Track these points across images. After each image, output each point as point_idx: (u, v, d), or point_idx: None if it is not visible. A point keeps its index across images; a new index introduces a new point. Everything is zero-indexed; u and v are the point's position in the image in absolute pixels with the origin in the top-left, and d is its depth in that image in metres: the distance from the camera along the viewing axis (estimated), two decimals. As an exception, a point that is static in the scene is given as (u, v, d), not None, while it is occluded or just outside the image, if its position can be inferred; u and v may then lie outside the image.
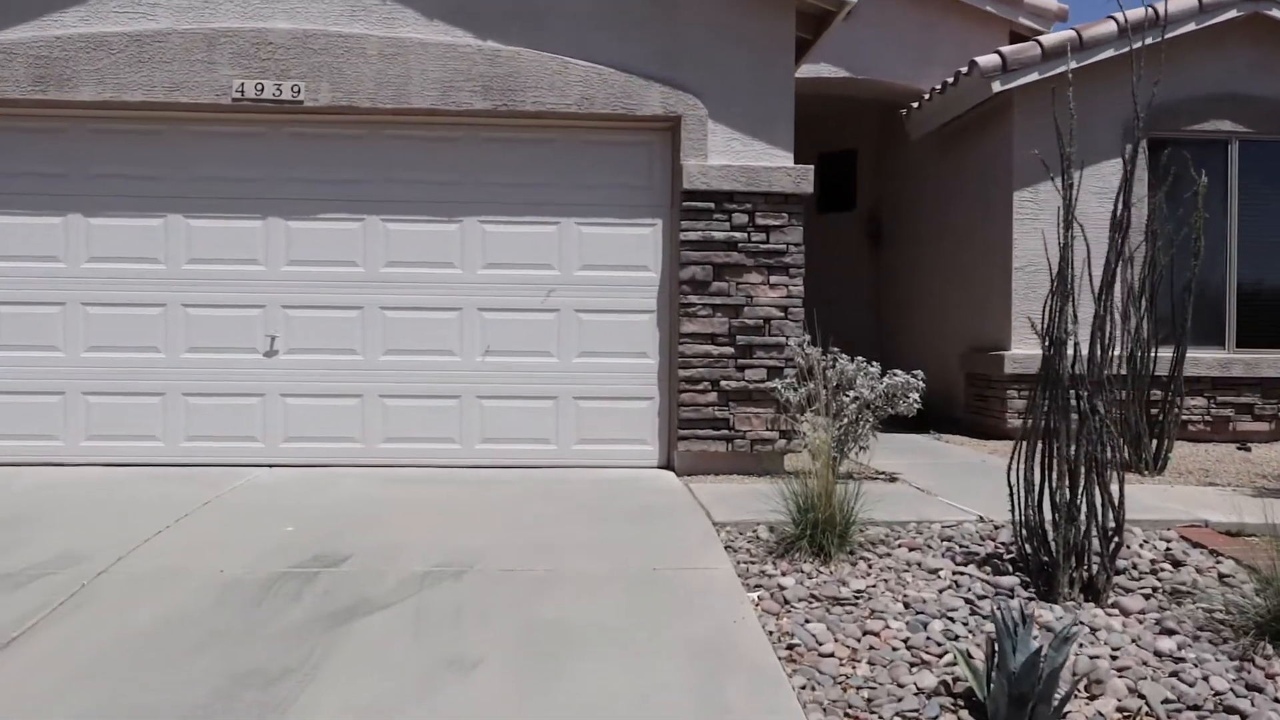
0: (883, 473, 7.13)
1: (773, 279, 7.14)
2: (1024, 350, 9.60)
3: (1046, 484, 4.78)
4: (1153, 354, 7.94)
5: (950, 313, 10.99)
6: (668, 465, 7.44)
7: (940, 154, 11.28)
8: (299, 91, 6.98)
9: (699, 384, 7.09)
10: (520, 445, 7.37)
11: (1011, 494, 4.80)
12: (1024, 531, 4.78)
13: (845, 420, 6.92)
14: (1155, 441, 7.84)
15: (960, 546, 5.23)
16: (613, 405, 7.38)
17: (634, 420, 7.38)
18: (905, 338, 12.41)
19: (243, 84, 6.96)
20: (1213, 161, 9.74)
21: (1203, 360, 9.55)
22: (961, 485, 6.72)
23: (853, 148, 13.50)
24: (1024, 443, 5.01)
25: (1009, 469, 4.89)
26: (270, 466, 7.11)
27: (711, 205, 7.09)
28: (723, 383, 7.14)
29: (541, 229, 7.34)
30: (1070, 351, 5.43)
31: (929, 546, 5.24)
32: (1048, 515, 4.72)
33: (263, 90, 6.97)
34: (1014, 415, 9.56)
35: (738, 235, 7.09)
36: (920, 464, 7.87)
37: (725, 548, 5.23)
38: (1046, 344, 5.42)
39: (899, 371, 7.07)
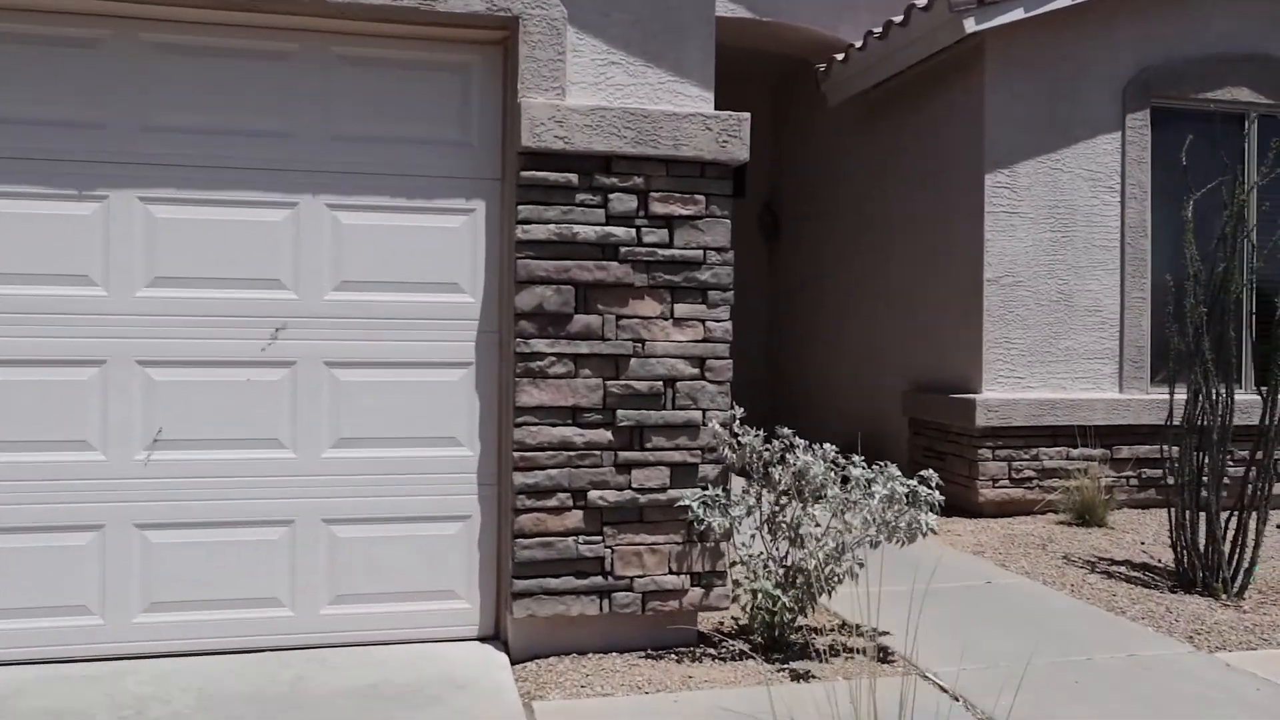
0: (868, 632, 4.04)
1: (681, 309, 3.98)
2: (1001, 393, 6.80)
3: None
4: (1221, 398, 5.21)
5: (886, 338, 8.13)
6: (496, 635, 4.11)
7: (871, 124, 8.39)
8: None
9: (550, 495, 3.89)
10: (221, 613, 3.84)
11: None
12: None
13: (813, 563, 3.91)
14: (1233, 538, 5.14)
15: None
16: (396, 533, 3.99)
17: (435, 559, 4.02)
18: (814, 371, 9.49)
19: None
20: (1227, 139, 7.19)
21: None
22: (1019, 674, 3.59)
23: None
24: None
25: None
26: None
27: (573, 178, 3.87)
28: (594, 493, 3.97)
29: (262, 215, 3.87)
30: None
31: None
32: None
33: None
34: (989, 484, 6.76)
35: (620, 232, 3.91)
36: (921, 607, 4.82)
37: None
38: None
39: (895, 470, 4.08)
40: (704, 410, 4.02)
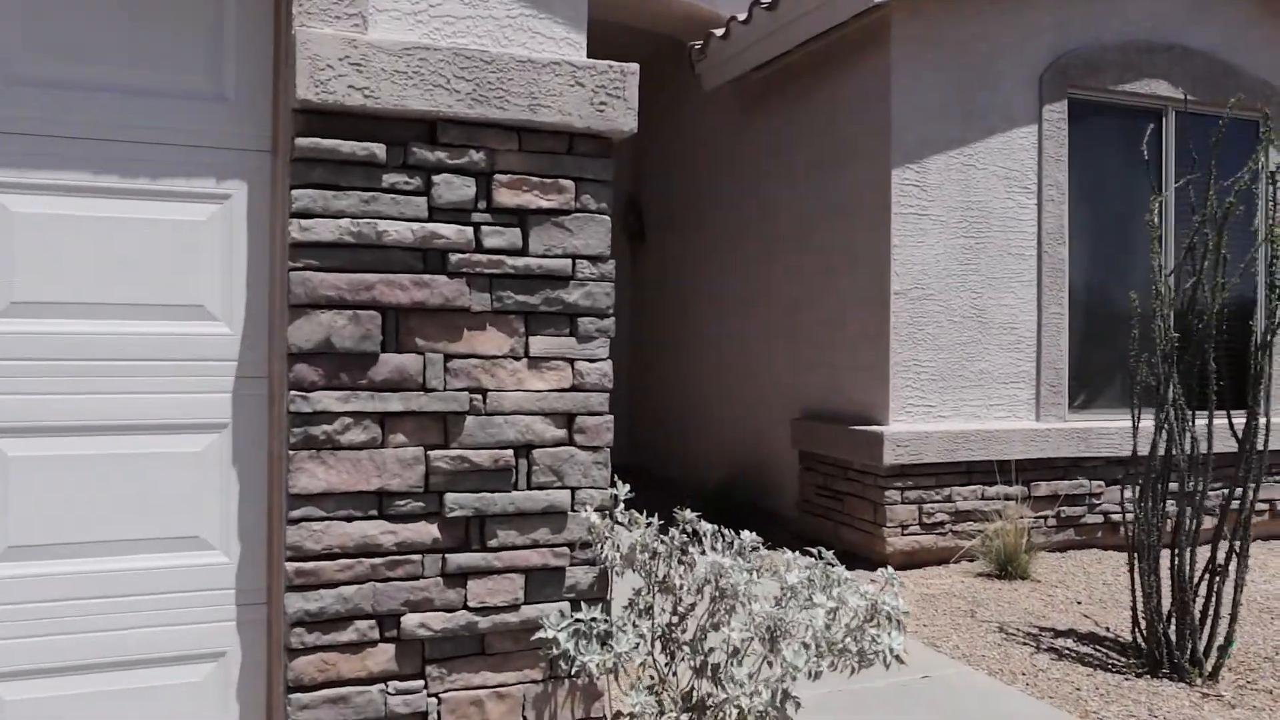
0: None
1: (540, 344, 2.71)
2: (911, 425, 5.80)
3: None
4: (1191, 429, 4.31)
5: (772, 358, 7.06)
6: (266, 831, 2.82)
7: (756, 111, 7.32)
8: None
9: (345, 624, 2.51)
10: None
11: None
12: None
13: (735, 713, 2.70)
14: (1205, 602, 4.24)
15: None
16: (107, 685, 2.52)
17: (170, 722, 2.70)
18: (686, 397, 8.37)
19: None
20: (1141, 136, 6.42)
21: (1140, 430, 6.19)
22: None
23: (600, 108, 9.29)
24: None
25: None
26: None
27: (379, 150, 2.54)
28: (411, 618, 2.61)
29: None
30: None
31: None
32: None
33: None
34: (897, 531, 5.75)
35: (449, 232, 2.61)
36: None
37: None
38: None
39: (843, 572, 2.91)
40: (573, 489, 2.77)
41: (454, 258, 2.65)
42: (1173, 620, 4.22)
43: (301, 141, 2.52)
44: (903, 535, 5.66)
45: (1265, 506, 6.37)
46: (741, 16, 6.55)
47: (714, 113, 7.76)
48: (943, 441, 5.66)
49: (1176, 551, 4.23)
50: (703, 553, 2.80)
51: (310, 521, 2.52)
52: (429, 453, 2.63)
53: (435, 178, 2.65)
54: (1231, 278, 4.14)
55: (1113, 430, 6.04)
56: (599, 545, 2.74)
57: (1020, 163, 5.95)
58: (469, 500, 2.65)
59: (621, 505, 2.83)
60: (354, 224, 2.56)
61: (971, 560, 5.74)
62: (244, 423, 2.68)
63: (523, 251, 2.73)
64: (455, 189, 2.65)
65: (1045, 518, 5.96)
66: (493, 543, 2.69)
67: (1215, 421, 4.29)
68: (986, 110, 5.87)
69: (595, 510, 2.77)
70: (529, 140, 2.74)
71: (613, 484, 2.84)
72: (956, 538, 5.75)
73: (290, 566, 2.50)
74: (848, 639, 2.75)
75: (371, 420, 2.58)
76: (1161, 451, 4.26)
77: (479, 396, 2.68)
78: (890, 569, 2.95)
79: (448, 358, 2.66)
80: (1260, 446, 4.16)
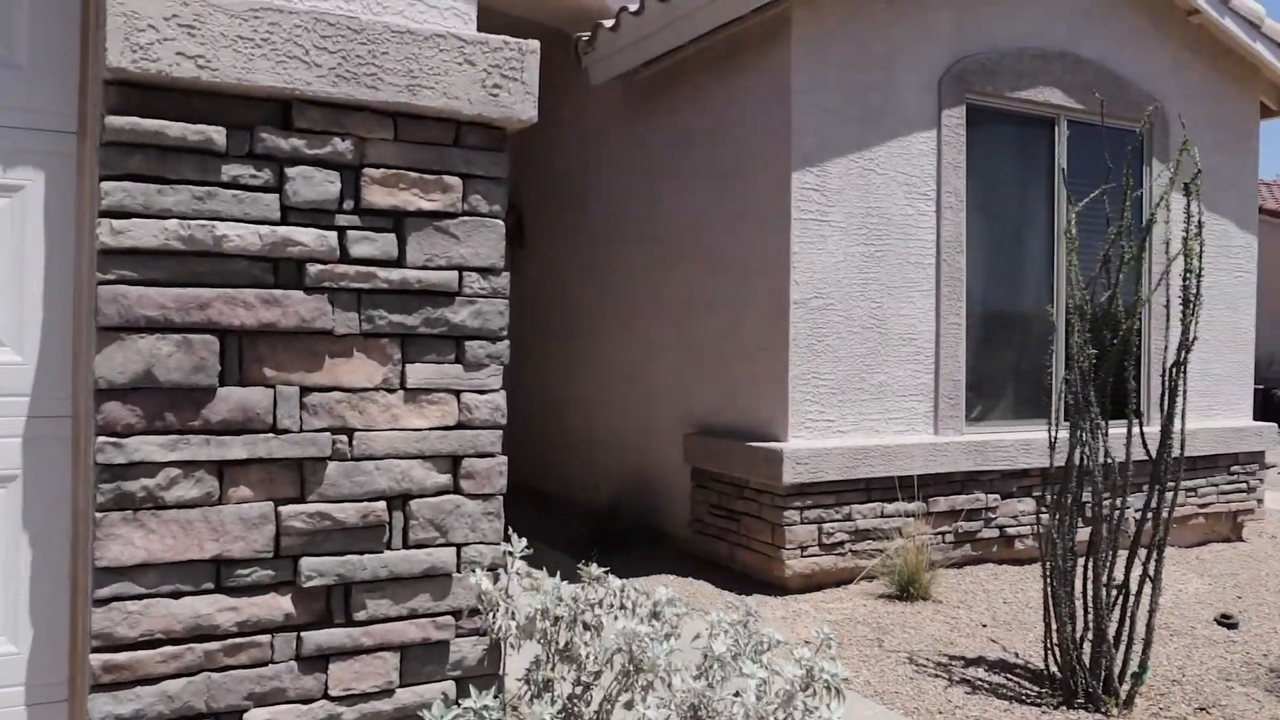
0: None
1: (420, 374, 2.22)
2: (811, 441, 5.51)
3: None
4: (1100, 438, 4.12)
5: (663, 370, 6.68)
6: None
7: (647, 109, 6.92)
8: None
9: None
10: None
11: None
12: None
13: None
14: (1118, 627, 4.05)
15: None
16: None
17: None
18: (570, 410, 7.92)
19: None
20: (1037, 145, 6.32)
21: (1033, 443, 6.09)
22: None
23: (478, 101, 8.74)
24: None
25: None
26: None
27: (217, 135, 1.99)
28: (256, 715, 2.15)
29: None
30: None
31: None
32: None
33: None
34: (796, 553, 5.45)
35: (307, 237, 2.08)
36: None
37: None
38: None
39: (772, 634, 2.51)
40: (459, 546, 2.31)
41: (313, 269, 2.16)
42: (1086, 645, 4.03)
43: (115, 121, 1.98)
44: (802, 557, 5.36)
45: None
46: (633, 7, 6.14)
47: (602, 110, 7.34)
48: (843, 458, 5.38)
49: (1090, 574, 4.03)
50: (615, 617, 2.38)
51: (124, 601, 1.98)
52: (280, 509, 2.12)
53: (290, 170, 2.14)
54: (1129, 291, 3.96)
55: (1008, 443, 5.89)
56: (491, 614, 2.29)
57: (920, 168, 5.74)
58: (331, 565, 2.16)
59: (515, 562, 2.38)
60: (184, 226, 2.03)
61: (871, 580, 5.49)
62: (39, 474, 2.12)
63: (399, 262, 2.25)
64: (315, 185, 2.16)
65: (944, 534, 5.77)
66: (360, 615, 2.20)
67: (1118, 435, 4.11)
68: (887, 114, 5.63)
69: (487, 571, 2.31)
70: (407, 128, 2.26)
71: (507, 536, 2.39)
72: (856, 558, 5.49)
73: (97, 660, 1.96)
74: (778, 710, 2.38)
75: (207, 471, 2.06)
76: (1076, 471, 4.05)
77: (344, 438, 2.19)
78: (824, 634, 2.58)
79: (305, 391, 2.16)
80: (1172, 472, 4.00)
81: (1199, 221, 3.83)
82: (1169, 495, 4.02)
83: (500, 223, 2.37)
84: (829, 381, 5.47)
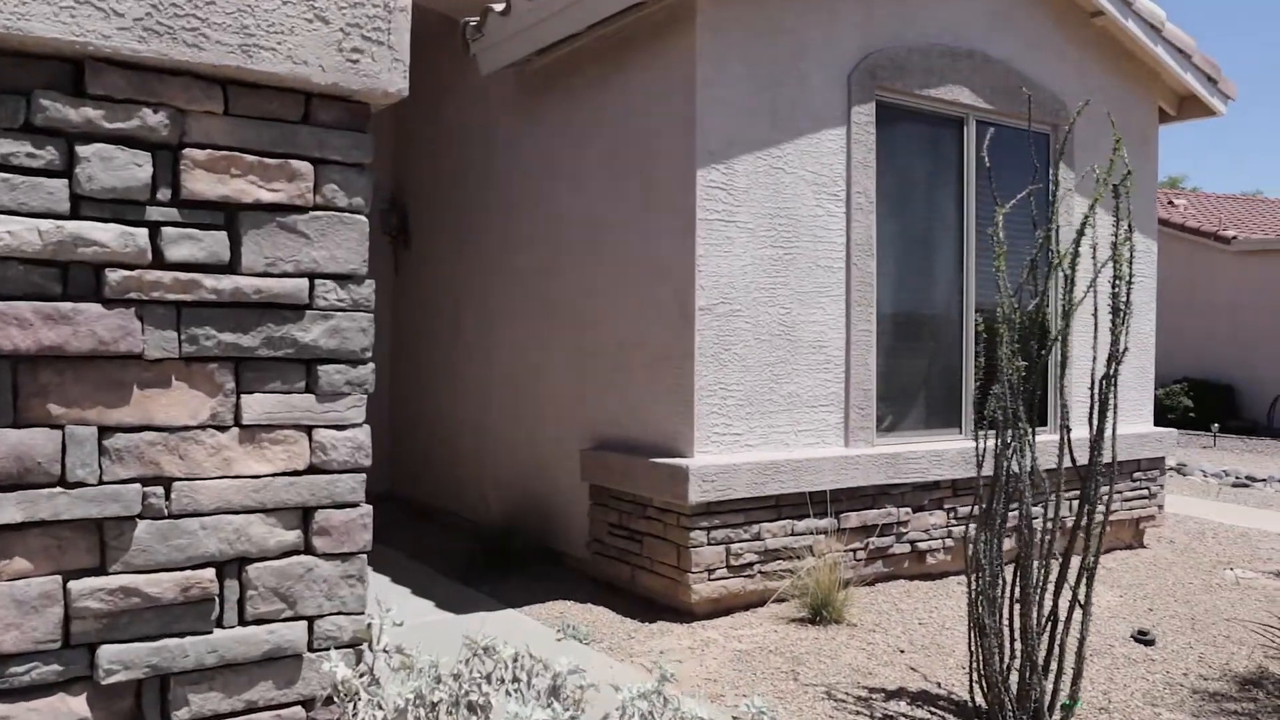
0: None
1: (258, 406, 1.73)
2: (718, 457, 5.16)
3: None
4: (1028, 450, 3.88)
5: (559, 380, 6.24)
6: None
7: (541, 101, 6.48)
8: None
9: None
10: None
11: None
12: None
13: None
14: (1046, 655, 3.80)
15: None
16: None
17: None
18: (459, 423, 7.40)
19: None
20: (946, 145, 6.12)
21: (944, 454, 5.88)
22: None
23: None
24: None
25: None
26: None
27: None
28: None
29: None
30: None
31: None
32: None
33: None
34: (704, 576, 5.09)
35: (105, 234, 1.53)
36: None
37: None
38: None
39: (694, 712, 2.12)
40: (311, 620, 1.86)
41: (115, 276, 1.68)
42: (1013, 674, 3.78)
43: None
44: (709, 581, 5.01)
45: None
46: (524, -10, 5.71)
47: (492, 101, 6.87)
48: (752, 474, 5.06)
49: (1019, 596, 3.78)
50: (508, 693, 1.97)
51: None
52: (71, 585, 1.64)
53: (83, 150, 1.66)
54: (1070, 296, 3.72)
55: (920, 454, 5.67)
56: (351, 703, 1.84)
57: (830, 167, 5.46)
58: (141, 654, 1.68)
59: (381, 632, 1.94)
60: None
61: (782, 602, 5.18)
62: None
63: (231, 268, 1.79)
64: (117, 169, 1.68)
65: (855, 551, 5.50)
66: (182, 714, 1.73)
67: (1039, 447, 3.88)
68: (796, 109, 5.33)
69: (347, 647, 1.87)
70: (242, 99, 1.80)
71: (380, 610, 1.95)
72: (766, 579, 5.17)
73: None
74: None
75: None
76: (1003, 486, 3.79)
77: (159, 490, 1.72)
78: (755, 709, 2.22)
79: (106, 432, 1.68)
80: (1102, 492, 3.78)
81: (1129, 225, 3.60)
82: (1098, 517, 3.81)
83: (363, 219, 1.93)
84: (737, 393, 5.14)
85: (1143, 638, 4.84)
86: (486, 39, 6.08)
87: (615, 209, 5.59)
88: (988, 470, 4.01)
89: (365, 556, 1.90)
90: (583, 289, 5.86)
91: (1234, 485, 10.34)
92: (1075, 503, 3.76)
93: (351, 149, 1.92)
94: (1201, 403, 16.06)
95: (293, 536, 1.84)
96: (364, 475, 1.92)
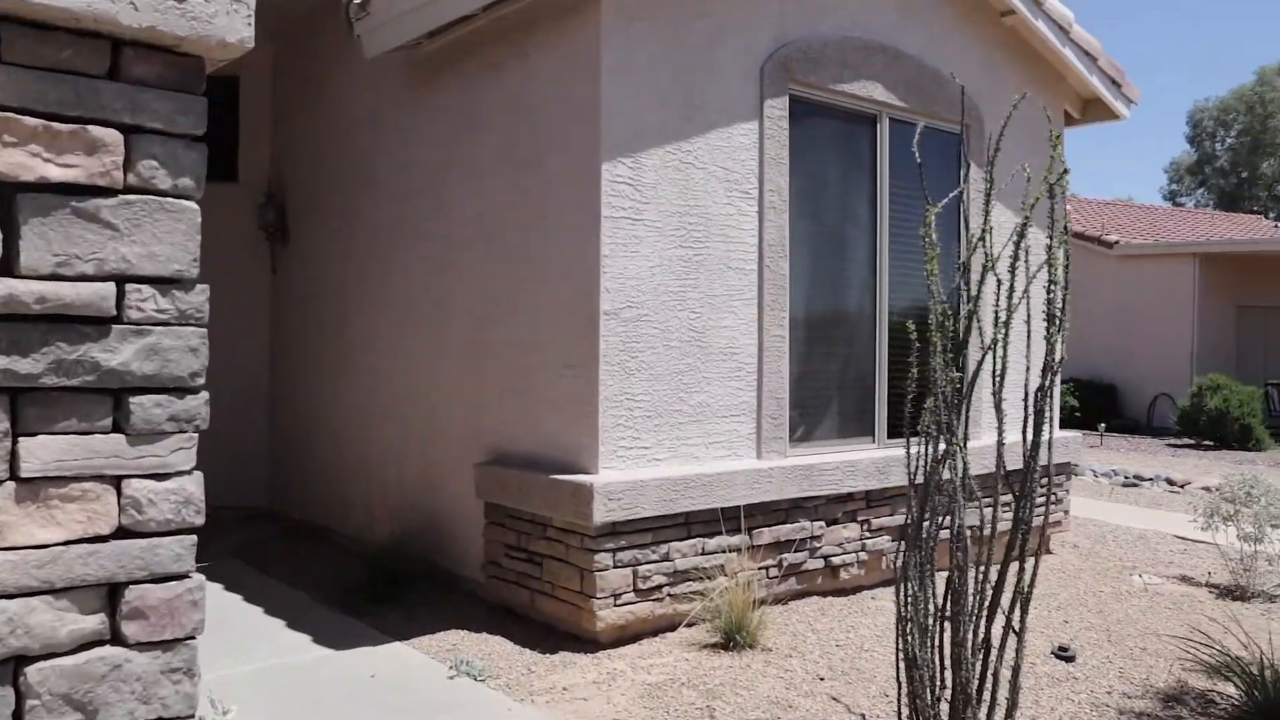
0: None
1: (45, 449, 1.35)
2: (625, 473, 4.78)
3: None
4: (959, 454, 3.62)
5: (451, 388, 5.75)
6: None
7: (432, 87, 5.99)
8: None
9: None
10: None
11: None
12: None
13: None
14: (979, 685, 3.54)
15: None
16: None
17: None
18: (343, 433, 6.84)
19: None
20: (860, 142, 5.87)
21: (857, 465, 5.63)
22: None
23: (232, 74, 7.55)
24: None
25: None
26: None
27: None
28: None
29: None
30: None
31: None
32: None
33: None
34: (609, 602, 4.71)
35: None
36: None
37: None
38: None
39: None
40: None
41: None
42: (943, 705, 3.52)
43: None
44: (615, 606, 4.63)
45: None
46: (413, -35, 5.23)
47: (379, 87, 6.35)
48: (661, 490, 4.70)
49: (947, 615, 3.52)
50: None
51: None
52: None
53: None
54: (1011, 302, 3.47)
55: (833, 465, 5.41)
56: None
57: (742, 163, 5.14)
58: None
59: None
60: None
61: (694, 627, 4.84)
62: None
63: (6, 267, 1.33)
64: None
65: (768, 568, 5.20)
66: None
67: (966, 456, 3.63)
68: (707, 101, 5.00)
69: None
70: (20, 42, 1.34)
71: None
72: (676, 603, 4.82)
73: None
74: None
75: None
76: (931, 504, 3.52)
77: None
78: None
79: None
80: (1040, 508, 3.54)
81: (1065, 226, 3.37)
82: (1031, 540, 3.57)
83: (192, 206, 1.49)
84: (644, 403, 4.78)
85: (1063, 654, 4.66)
86: (372, 19, 5.58)
87: (514, 204, 5.17)
88: (901, 481, 3.72)
89: (195, 643, 1.46)
90: (479, 290, 5.42)
91: (1124, 485, 10.49)
92: (998, 512, 3.51)
93: (177, 115, 1.47)
94: (1087, 403, 16.45)
95: (93, 623, 1.39)
96: (194, 538, 1.48)
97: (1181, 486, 10.30)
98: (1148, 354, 17.25)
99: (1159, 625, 5.14)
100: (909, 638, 3.52)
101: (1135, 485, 10.49)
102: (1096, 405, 16.51)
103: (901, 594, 3.50)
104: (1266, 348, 18.07)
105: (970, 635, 3.46)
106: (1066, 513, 6.87)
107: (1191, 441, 15.03)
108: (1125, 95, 6.75)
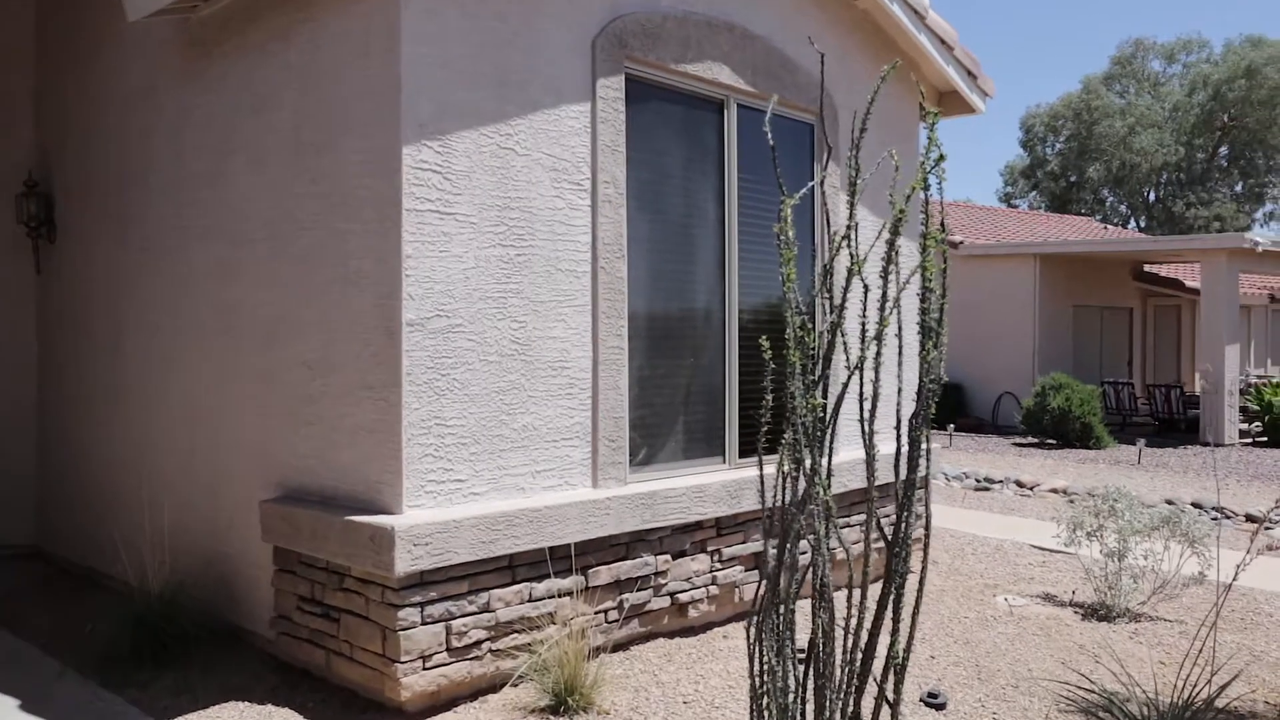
0: None
1: None
2: (434, 512, 4.01)
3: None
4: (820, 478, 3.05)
5: (237, 411, 4.81)
6: None
7: (209, 58, 5.04)
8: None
9: None
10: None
11: None
12: None
13: None
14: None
15: None
16: None
17: None
18: (117, 456, 5.81)
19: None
20: (706, 130, 5.28)
21: (706, 489, 5.05)
22: None
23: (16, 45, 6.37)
24: None
25: None
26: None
27: None
28: None
29: None
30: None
31: None
32: None
33: None
34: (417, 666, 3.94)
35: None
36: None
37: None
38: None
39: None
40: None
41: None
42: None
43: None
44: (424, 670, 3.88)
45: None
46: (175, -93, 4.35)
47: (155, 58, 5.39)
48: (479, 530, 3.98)
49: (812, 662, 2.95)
50: None
51: None
52: None
53: None
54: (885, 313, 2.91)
55: (680, 491, 4.80)
56: None
57: (571, 150, 4.47)
58: None
59: None
60: None
61: (519, 685, 4.14)
62: None
63: None
64: None
65: (607, 611, 4.54)
66: None
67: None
68: (529, 78, 4.30)
69: None
70: None
71: None
72: (498, 659, 4.11)
73: None
74: None
75: None
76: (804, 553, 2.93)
77: None
78: None
79: None
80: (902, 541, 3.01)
81: (943, 223, 2.82)
82: (917, 568, 3.04)
83: None
84: (458, 429, 4.04)
85: (933, 701, 4.17)
86: (131, -28, 4.64)
87: (303, 195, 4.35)
88: (755, 505, 3.13)
89: None
90: (266, 297, 4.57)
91: (976, 489, 10.34)
92: (868, 566, 2.95)
93: None
94: (936, 402, 16.50)
95: None
96: None
97: (1031, 489, 10.21)
98: (992, 353, 17.48)
99: (1029, 656, 4.72)
100: (765, 698, 2.93)
101: (987, 489, 10.35)
102: (944, 404, 16.58)
103: (756, 663, 2.91)
104: (1100, 347, 18.62)
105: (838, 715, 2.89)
106: (926, 527, 6.45)
107: (1035, 440, 15.23)
108: (981, 88, 6.40)
